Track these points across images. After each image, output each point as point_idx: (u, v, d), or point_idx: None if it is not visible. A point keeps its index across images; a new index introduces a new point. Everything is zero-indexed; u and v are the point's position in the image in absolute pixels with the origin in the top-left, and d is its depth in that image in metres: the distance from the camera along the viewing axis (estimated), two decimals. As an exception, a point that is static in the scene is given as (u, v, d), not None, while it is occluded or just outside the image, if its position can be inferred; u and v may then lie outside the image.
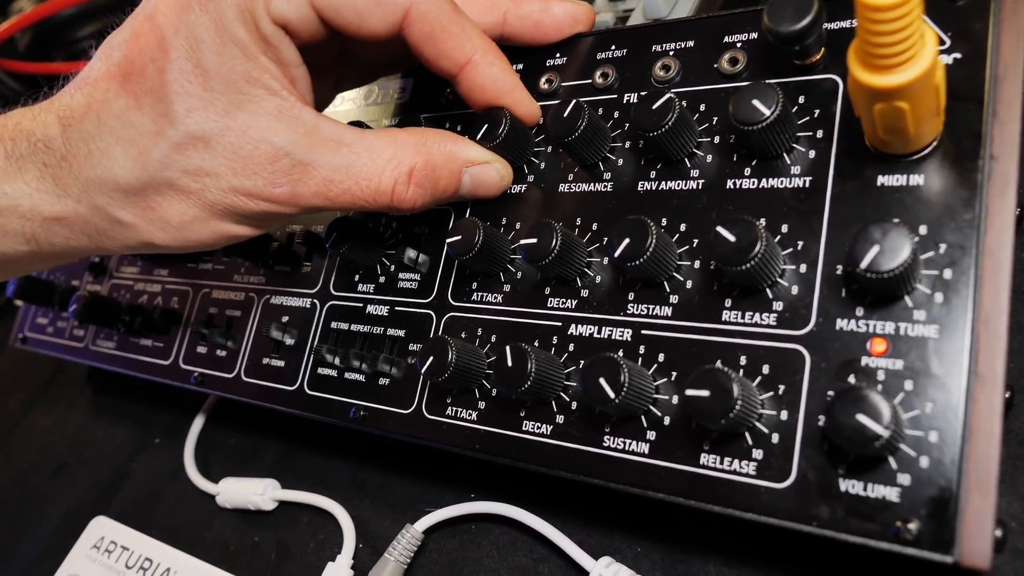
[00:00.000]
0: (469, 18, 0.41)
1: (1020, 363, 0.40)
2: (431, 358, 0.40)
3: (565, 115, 0.40)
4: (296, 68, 0.39)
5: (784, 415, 0.33)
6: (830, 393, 0.33)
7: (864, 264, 0.30)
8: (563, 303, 0.41)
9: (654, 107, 0.37)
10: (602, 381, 0.34)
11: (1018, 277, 0.42)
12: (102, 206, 0.39)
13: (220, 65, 0.36)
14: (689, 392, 0.32)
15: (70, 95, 0.38)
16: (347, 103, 0.56)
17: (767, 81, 0.37)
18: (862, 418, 0.29)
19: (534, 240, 0.39)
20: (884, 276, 0.30)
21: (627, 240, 0.36)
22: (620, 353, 0.38)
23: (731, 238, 0.33)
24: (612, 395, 0.34)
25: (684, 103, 0.39)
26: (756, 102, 0.34)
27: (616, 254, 0.36)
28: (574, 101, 0.40)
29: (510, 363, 0.37)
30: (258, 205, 0.39)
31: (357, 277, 0.50)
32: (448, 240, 0.42)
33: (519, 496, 0.47)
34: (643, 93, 0.38)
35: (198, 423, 0.64)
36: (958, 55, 0.34)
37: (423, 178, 0.40)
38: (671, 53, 0.42)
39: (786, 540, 0.39)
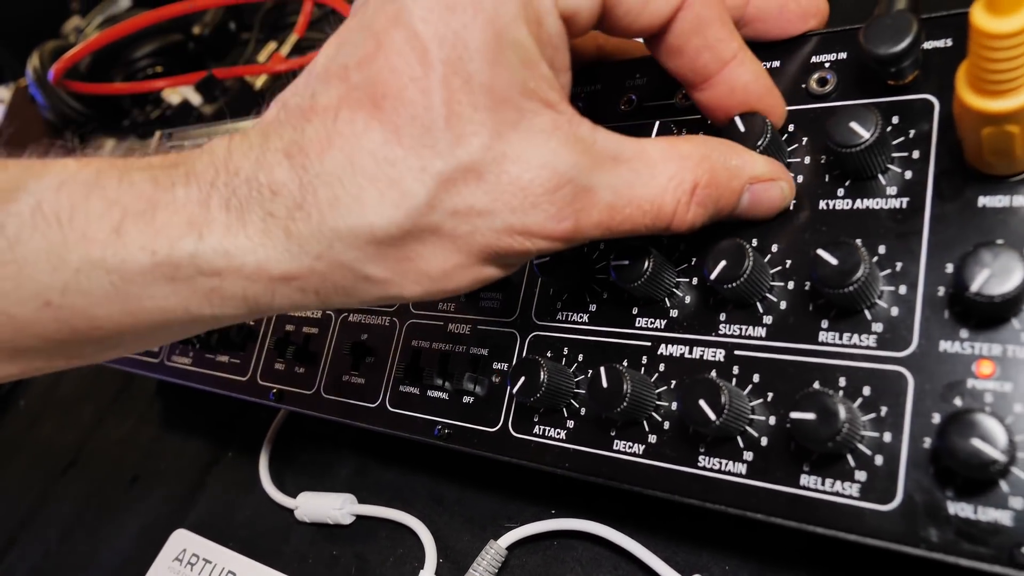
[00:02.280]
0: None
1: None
2: (523, 378, 0.41)
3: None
4: (566, 74, 0.33)
5: (888, 437, 0.33)
6: (935, 415, 0.33)
7: (975, 288, 0.30)
8: (652, 323, 0.41)
9: (743, 129, 0.38)
10: (702, 403, 0.35)
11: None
12: (349, 262, 0.32)
13: (494, 78, 0.30)
14: (794, 415, 0.33)
15: (295, 128, 0.31)
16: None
17: (865, 102, 0.38)
18: (978, 442, 0.29)
19: (626, 262, 0.39)
20: (995, 300, 0.30)
21: (723, 263, 0.36)
22: (713, 373, 0.38)
23: (833, 261, 0.33)
24: (713, 417, 0.35)
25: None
26: (854, 124, 0.35)
27: (712, 277, 0.36)
28: (657, 123, 0.41)
29: (605, 383, 0.38)
30: (535, 244, 0.32)
31: (437, 296, 0.51)
32: (536, 261, 0.42)
33: (598, 512, 0.47)
34: (734, 118, 0.38)
35: (272, 437, 0.65)
36: (1060, 75, 0.34)
37: (705, 196, 0.35)
38: (756, 74, 0.42)
39: (879, 561, 0.39)
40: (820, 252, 0.34)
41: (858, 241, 0.36)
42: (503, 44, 0.30)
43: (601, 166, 0.32)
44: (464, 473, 0.55)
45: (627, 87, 0.46)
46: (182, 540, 0.61)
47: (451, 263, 0.33)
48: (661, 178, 0.34)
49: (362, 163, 0.30)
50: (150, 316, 0.33)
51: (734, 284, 0.36)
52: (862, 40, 0.35)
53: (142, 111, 1.07)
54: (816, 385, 0.36)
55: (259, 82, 1.06)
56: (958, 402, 0.32)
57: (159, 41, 1.14)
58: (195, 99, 1.00)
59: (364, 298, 0.34)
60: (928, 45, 0.37)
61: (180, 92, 1.02)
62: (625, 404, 0.37)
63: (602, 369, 0.38)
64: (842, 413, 0.32)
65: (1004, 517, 0.30)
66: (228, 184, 0.31)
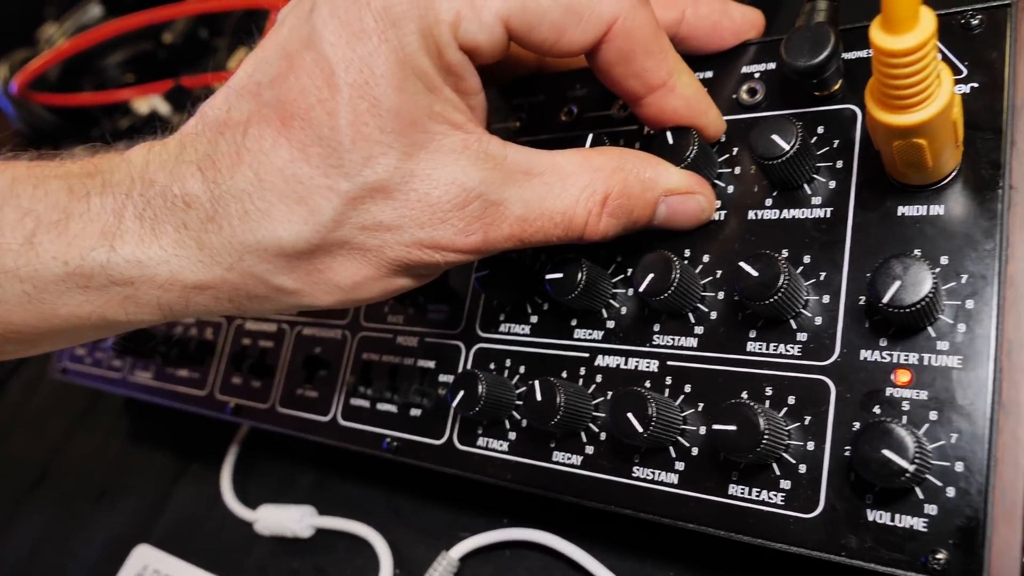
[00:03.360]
0: (665, 34, 0.36)
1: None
2: (462, 392, 0.41)
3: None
4: (476, 96, 0.34)
5: (811, 446, 0.34)
6: (856, 424, 0.33)
7: (886, 299, 0.31)
8: (590, 334, 0.42)
9: (671, 142, 0.38)
10: (630, 416, 0.35)
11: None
12: (260, 273, 0.33)
13: (400, 102, 0.31)
14: (716, 427, 0.33)
15: (210, 142, 0.32)
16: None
17: (786, 113, 0.38)
18: (887, 452, 0.29)
19: (560, 275, 0.39)
20: (906, 310, 0.30)
21: (651, 275, 0.37)
22: (647, 384, 0.39)
23: (754, 273, 0.34)
24: (640, 429, 0.35)
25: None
26: (775, 136, 0.35)
27: (641, 289, 0.37)
28: (591, 135, 0.41)
29: (539, 397, 0.38)
30: (445, 257, 0.34)
31: (387, 308, 0.51)
32: (476, 275, 0.43)
33: (551, 522, 0.47)
34: (665, 131, 0.38)
35: (234, 450, 0.66)
36: (975, 84, 0.34)
37: (617, 207, 0.35)
38: (689, 85, 0.42)
39: (814, 570, 0.40)
40: (742, 264, 0.34)
41: (784, 252, 0.37)
42: (407, 71, 0.31)
43: (512, 180, 0.34)
44: (422, 484, 0.55)
45: (568, 98, 0.47)
46: (143, 557, 0.61)
47: (361, 275, 0.34)
48: (573, 189, 0.34)
49: (271, 179, 0.31)
50: (65, 322, 0.34)
51: (662, 296, 0.36)
52: (782, 52, 0.35)
53: (112, 121, 1.07)
54: (744, 395, 0.36)
55: (227, 91, 1.06)
56: (877, 410, 0.33)
57: (129, 49, 1.14)
58: (163, 108, 1.00)
59: (278, 307, 0.35)
60: (851, 56, 0.38)
61: (148, 101, 1.02)
62: (559, 417, 0.38)
63: (536, 383, 0.39)
64: (762, 424, 0.32)
65: (919, 524, 0.31)
66: (143, 195, 0.32)
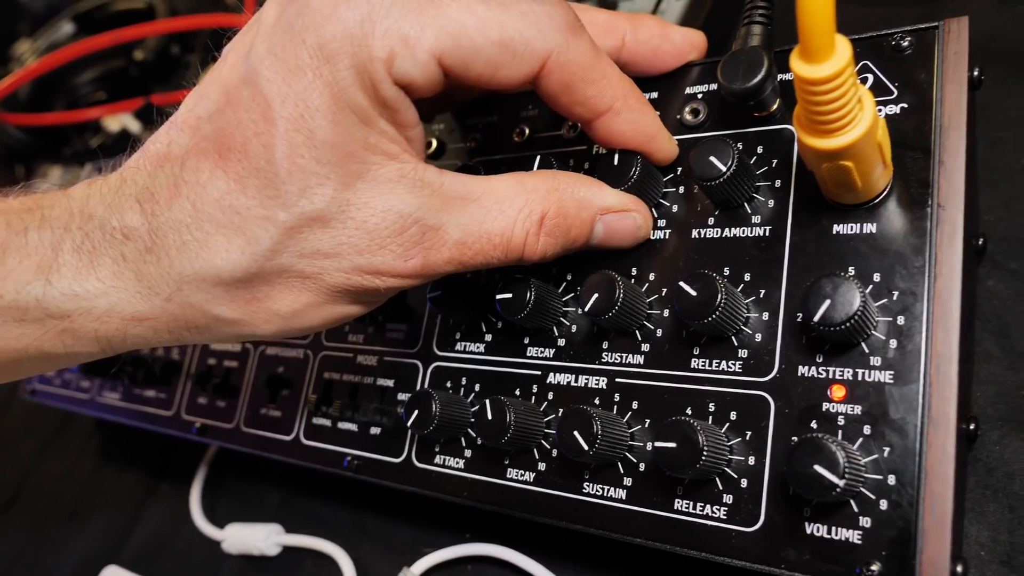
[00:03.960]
0: (608, 59, 0.37)
1: (988, 393, 0.41)
2: (416, 411, 0.42)
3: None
4: (413, 128, 0.35)
5: (752, 460, 0.35)
6: (794, 439, 0.34)
7: (817, 318, 0.31)
8: (541, 352, 0.42)
9: (616, 162, 0.39)
10: (576, 434, 0.36)
11: (983, 307, 0.43)
12: (199, 303, 0.34)
13: (335, 135, 0.32)
14: (657, 444, 0.34)
15: (149, 174, 0.33)
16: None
17: (725, 134, 0.39)
18: (819, 468, 0.30)
19: (509, 295, 0.40)
20: (837, 328, 0.31)
21: (596, 295, 0.37)
22: (596, 401, 0.39)
23: (692, 292, 0.34)
24: (586, 447, 0.36)
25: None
26: (713, 158, 0.36)
27: (586, 308, 0.37)
28: (538, 156, 0.42)
29: (490, 416, 0.39)
30: (385, 282, 0.35)
31: (347, 328, 0.52)
32: (429, 295, 0.43)
33: (514, 537, 0.48)
34: (600, 150, 0.39)
35: (203, 469, 0.66)
36: (905, 105, 0.35)
37: (554, 227, 0.36)
38: (636, 105, 0.43)
39: None
40: (681, 284, 0.35)
41: (726, 270, 0.37)
42: (341, 105, 0.32)
43: (450, 206, 0.34)
44: (388, 501, 0.56)
45: (521, 118, 0.47)
46: (113, 576, 0.61)
47: (301, 302, 0.35)
48: (510, 211, 0.35)
49: (208, 210, 0.32)
50: (3, 354, 0.34)
51: (607, 315, 0.37)
52: (718, 76, 0.36)
53: (83, 139, 1.07)
54: (689, 411, 0.37)
55: (198, 108, 1.06)
56: (814, 425, 0.34)
57: (101, 67, 1.14)
58: (134, 126, 1.00)
59: (219, 336, 0.36)
60: (789, 76, 0.38)
61: (119, 119, 1.02)
62: (509, 436, 0.38)
63: (487, 402, 0.39)
64: (701, 441, 0.33)
65: (854, 536, 0.32)
66: (82, 228, 0.33)
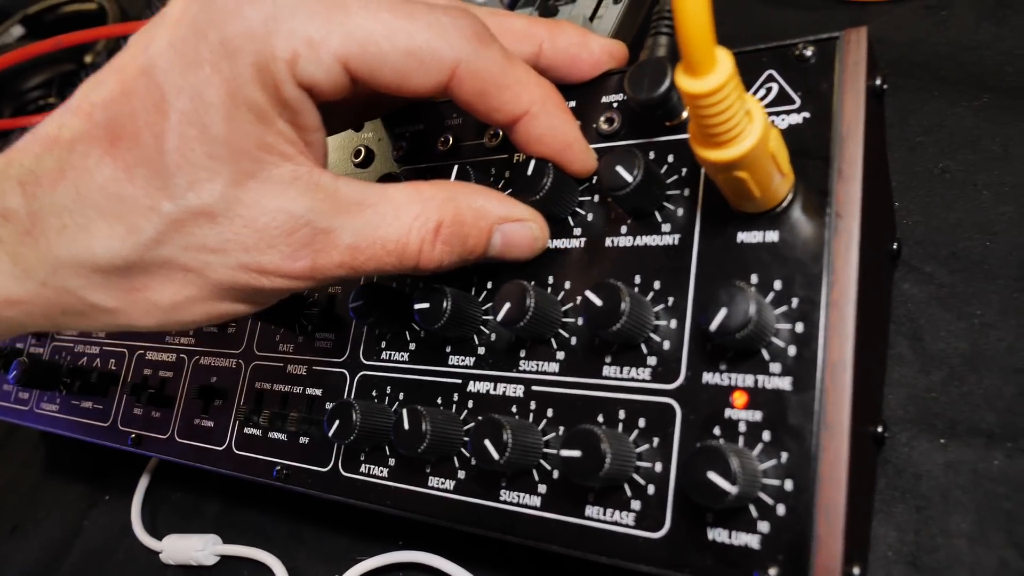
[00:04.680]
0: (523, 64, 0.37)
1: (899, 396, 0.42)
2: (337, 421, 0.42)
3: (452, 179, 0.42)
4: (315, 132, 0.35)
5: (659, 467, 0.35)
6: (698, 445, 0.34)
7: (713, 327, 0.32)
8: (462, 360, 0.43)
9: (529, 172, 0.39)
10: (487, 443, 0.36)
11: (897, 310, 0.44)
12: (74, 289, 0.33)
13: (229, 131, 0.31)
14: (563, 452, 0.34)
15: (35, 157, 0.33)
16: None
17: (636, 143, 0.39)
18: (712, 476, 0.30)
19: (427, 304, 0.40)
20: (732, 336, 0.32)
21: (508, 304, 0.38)
22: (513, 409, 0.40)
23: (598, 302, 0.35)
24: (496, 456, 0.36)
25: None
26: (620, 168, 0.36)
27: (499, 318, 0.38)
28: (456, 165, 0.42)
29: (406, 426, 0.39)
30: (272, 282, 0.34)
31: (278, 337, 0.52)
32: (351, 305, 0.43)
33: (446, 544, 0.48)
34: (520, 158, 0.39)
35: (144, 480, 0.65)
36: (807, 114, 0.36)
37: (450, 235, 0.36)
38: (554, 114, 0.43)
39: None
40: (587, 293, 0.35)
41: (637, 278, 0.38)
42: (238, 102, 0.31)
43: (343, 211, 0.34)
44: (324, 511, 0.55)
45: (446, 127, 0.48)
46: (49, 590, 0.60)
47: (182, 295, 0.34)
48: (405, 219, 0.35)
49: (92, 196, 0.32)
50: None
51: (519, 324, 0.37)
52: (625, 86, 0.37)
53: (31, 146, 1.05)
54: (600, 418, 0.37)
55: (148, 113, 1.05)
56: (718, 432, 0.34)
57: (48, 72, 1.13)
58: (82, 133, 0.99)
59: (97, 325, 0.35)
60: (698, 86, 0.39)
61: (67, 126, 1.01)
62: (425, 444, 0.38)
63: (403, 411, 0.39)
64: (604, 449, 0.33)
65: (753, 541, 0.32)
66: None
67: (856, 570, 0.32)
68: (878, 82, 0.36)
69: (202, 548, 0.56)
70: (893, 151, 0.49)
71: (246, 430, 0.51)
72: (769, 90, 0.37)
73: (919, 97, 0.51)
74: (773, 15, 0.63)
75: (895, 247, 0.44)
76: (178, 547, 0.57)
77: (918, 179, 0.48)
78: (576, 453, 0.34)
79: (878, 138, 0.38)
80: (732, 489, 0.30)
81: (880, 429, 0.38)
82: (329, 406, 0.47)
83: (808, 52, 0.36)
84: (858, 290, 0.33)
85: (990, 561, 0.36)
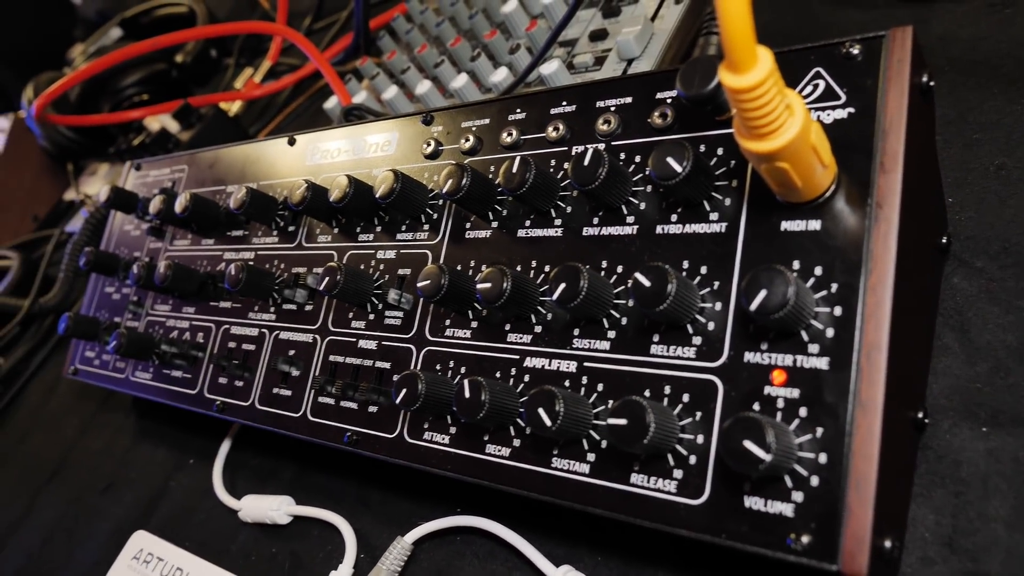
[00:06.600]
0: None
1: (943, 385, 0.43)
2: (404, 390, 0.45)
3: (514, 169, 0.45)
4: None
5: (700, 439, 0.37)
6: (736, 415, 0.36)
7: (752, 307, 0.34)
8: (520, 338, 0.46)
9: (586, 163, 0.42)
10: (541, 411, 0.39)
11: (946, 303, 0.45)
12: None
13: None
14: (611, 421, 0.37)
15: None
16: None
17: (688, 137, 0.42)
18: (748, 444, 0.33)
19: (488, 284, 0.43)
20: (771, 317, 0.34)
21: (563, 284, 0.40)
22: (566, 384, 0.43)
23: (647, 283, 0.37)
24: (549, 423, 0.39)
25: (622, 155, 0.43)
26: (670, 159, 0.39)
27: (554, 297, 0.41)
28: (518, 156, 0.45)
29: (467, 394, 0.42)
30: None
31: (351, 315, 0.56)
32: (418, 284, 0.47)
33: (501, 510, 0.51)
34: (579, 149, 0.42)
35: (225, 446, 0.71)
36: (852, 110, 0.37)
37: None
38: (612, 109, 0.46)
39: (720, 551, 0.43)
40: (637, 275, 0.38)
41: (685, 263, 0.40)
42: None
43: None
44: (389, 476, 0.60)
45: (509, 121, 0.51)
46: (140, 541, 0.66)
47: None
48: None
49: None
50: None
51: (573, 303, 0.40)
52: (677, 83, 0.39)
53: (126, 138, 1.13)
54: (647, 393, 0.40)
55: (233, 108, 1.11)
56: (757, 407, 0.36)
57: (143, 70, 1.21)
58: (172, 126, 1.06)
59: None
60: (749, 83, 0.41)
61: (159, 120, 1.08)
62: (484, 412, 0.42)
63: (465, 381, 0.43)
64: (648, 419, 0.36)
65: (787, 510, 0.34)
66: None
67: (888, 543, 0.34)
68: (924, 79, 0.38)
69: (277, 508, 0.61)
70: (949, 148, 0.50)
71: (320, 399, 0.55)
72: (816, 86, 0.39)
73: (978, 95, 0.52)
74: (835, 14, 0.64)
75: (944, 241, 0.45)
76: (255, 506, 0.62)
77: (973, 175, 0.49)
78: (623, 421, 0.36)
79: (924, 134, 0.40)
80: (766, 457, 0.32)
81: (921, 415, 0.40)
82: (397, 377, 0.51)
83: (855, 50, 0.38)
84: (896, 277, 0.34)
85: (1025, 544, 0.37)
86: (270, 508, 0.61)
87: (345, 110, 0.76)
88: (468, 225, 0.51)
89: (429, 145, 0.55)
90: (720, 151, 0.41)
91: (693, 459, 0.37)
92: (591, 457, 0.41)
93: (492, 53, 0.72)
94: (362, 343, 0.54)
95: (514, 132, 0.50)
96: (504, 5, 0.74)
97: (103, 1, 1.51)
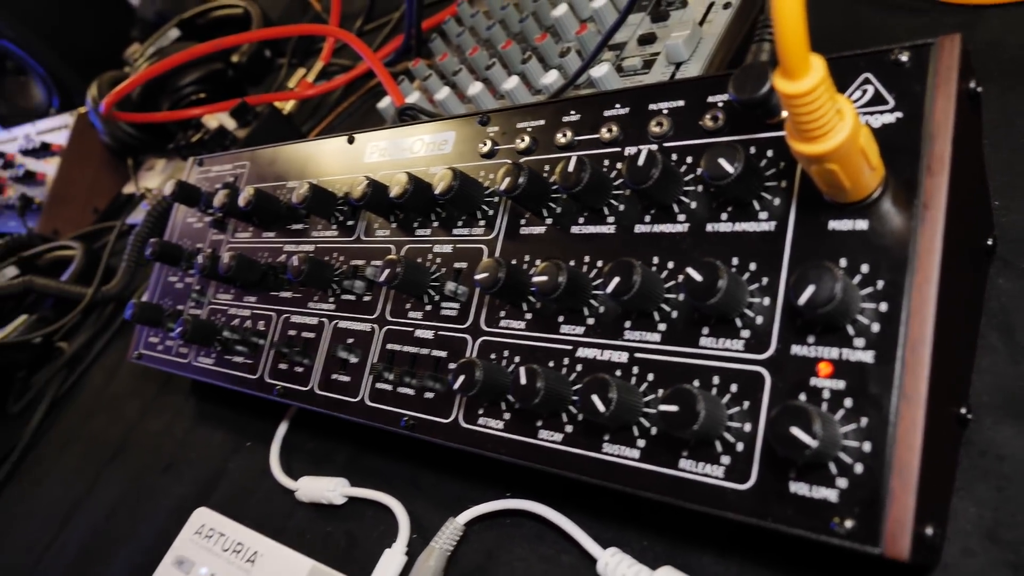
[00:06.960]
0: None
1: (986, 383, 0.44)
2: (462, 376, 0.48)
3: (570, 168, 0.47)
4: None
5: (748, 427, 0.39)
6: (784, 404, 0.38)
7: (801, 302, 0.36)
8: (573, 330, 0.48)
9: (640, 163, 0.44)
10: (594, 397, 0.41)
11: (990, 303, 0.46)
12: None
13: None
14: (662, 407, 0.39)
15: None
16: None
17: (739, 139, 0.43)
18: (795, 430, 0.34)
19: (544, 277, 0.46)
20: (818, 311, 0.36)
21: (617, 278, 0.43)
22: (617, 373, 0.45)
23: (698, 278, 0.39)
24: (602, 409, 0.41)
25: (674, 156, 0.45)
26: (722, 160, 0.40)
27: (608, 290, 0.43)
28: (574, 156, 0.47)
29: (523, 381, 0.45)
30: None
31: (408, 305, 0.59)
32: (476, 276, 0.49)
33: (550, 494, 0.54)
34: (632, 150, 0.44)
35: (282, 429, 0.74)
36: (900, 114, 0.39)
37: None
38: (664, 112, 0.48)
39: (764, 535, 0.45)
40: (688, 270, 0.40)
41: (735, 260, 0.42)
42: None
43: None
44: (441, 460, 0.62)
45: (563, 123, 0.53)
46: (203, 516, 0.69)
47: None
48: None
49: None
50: None
51: (626, 297, 0.42)
52: (730, 87, 0.41)
53: (185, 135, 1.18)
54: (696, 383, 0.42)
55: (287, 107, 1.15)
56: (803, 398, 0.38)
57: (201, 70, 1.26)
58: (230, 124, 1.10)
59: None
60: (799, 88, 0.43)
61: (217, 117, 1.13)
62: (539, 398, 0.44)
63: (521, 369, 0.45)
64: (698, 406, 0.38)
65: (832, 495, 0.36)
66: None
67: (929, 530, 0.35)
68: (972, 85, 0.39)
69: (333, 488, 0.64)
70: (998, 152, 0.51)
71: (378, 385, 0.58)
72: (865, 91, 0.40)
73: (1028, 100, 0.53)
74: (884, 20, 0.65)
75: (990, 243, 0.46)
76: (312, 487, 0.66)
77: (1021, 179, 0.50)
78: (674, 408, 0.38)
79: (971, 138, 0.41)
80: (813, 443, 0.34)
81: (964, 411, 0.41)
82: (453, 365, 0.53)
83: (904, 57, 0.40)
84: (940, 275, 0.36)
85: (1065, 537, 0.39)
86: (326, 489, 0.64)
87: (399, 110, 0.79)
88: (523, 222, 0.53)
89: (485, 144, 0.57)
90: (770, 153, 0.43)
91: (740, 446, 0.39)
92: (641, 443, 0.43)
93: (542, 56, 0.75)
94: (419, 332, 0.57)
95: (568, 133, 0.52)
96: (554, 9, 0.76)
97: (162, 2, 1.56)
